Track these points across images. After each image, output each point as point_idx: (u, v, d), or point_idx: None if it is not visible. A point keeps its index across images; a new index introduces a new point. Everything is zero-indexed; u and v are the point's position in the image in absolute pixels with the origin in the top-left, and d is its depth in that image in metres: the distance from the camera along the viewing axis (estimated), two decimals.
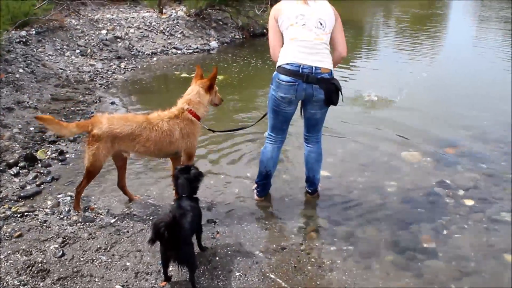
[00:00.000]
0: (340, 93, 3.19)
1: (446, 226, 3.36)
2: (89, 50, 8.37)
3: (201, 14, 10.13)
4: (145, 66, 8.12)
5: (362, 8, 18.89)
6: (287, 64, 3.14)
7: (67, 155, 4.47)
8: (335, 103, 3.23)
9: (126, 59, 8.44)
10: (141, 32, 9.42)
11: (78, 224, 3.29)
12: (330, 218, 3.44)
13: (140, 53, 8.79)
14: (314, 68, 3.09)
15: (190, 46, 9.24)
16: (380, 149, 4.64)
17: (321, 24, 3.14)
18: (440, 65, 9.08)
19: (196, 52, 9.09)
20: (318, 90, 3.14)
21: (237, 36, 10.24)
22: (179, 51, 9.03)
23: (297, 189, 3.82)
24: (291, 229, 3.31)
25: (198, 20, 10.09)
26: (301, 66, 3.10)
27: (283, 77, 3.14)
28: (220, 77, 7.09)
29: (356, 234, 3.25)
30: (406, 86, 6.94)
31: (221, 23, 10.56)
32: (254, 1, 9.89)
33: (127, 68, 7.92)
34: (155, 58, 8.62)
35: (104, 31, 9.13)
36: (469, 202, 3.70)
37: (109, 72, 7.58)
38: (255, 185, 3.67)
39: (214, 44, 9.49)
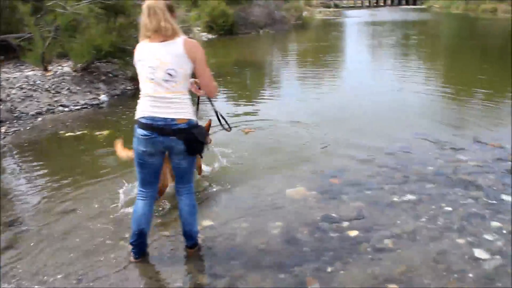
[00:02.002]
0: (202, 142, 3.07)
1: (331, 263, 3.27)
2: None
3: (88, 68, 9.76)
4: (28, 128, 7.60)
5: (255, 47, 19.42)
6: (142, 117, 3.02)
7: None
8: (198, 153, 3.13)
9: (7, 122, 7.86)
10: (24, 92, 8.87)
11: None
12: (211, 272, 3.23)
13: (23, 114, 8.23)
14: (169, 120, 2.98)
15: (78, 102, 8.81)
16: (265, 189, 4.54)
17: (170, 75, 2.98)
18: (335, 94, 9.38)
19: (85, 108, 8.67)
20: (176, 141, 3.02)
21: (128, 87, 9.95)
22: (66, 109, 8.58)
23: (177, 244, 3.57)
24: None
25: (86, 75, 9.71)
26: (155, 119, 2.98)
27: (139, 131, 3.03)
28: (105, 133, 6.78)
29: (238, 286, 3.06)
30: (292, 120, 7.05)
31: (111, 75, 10.23)
32: None
33: (8, 132, 7.36)
34: (40, 118, 8.10)
35: None
36: (353, 233, 3.66)
37: None
38: (130, 246, 3.39)
39: (104, 97, 9.13)
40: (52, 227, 4.00)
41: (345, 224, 3.81)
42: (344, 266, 3.25)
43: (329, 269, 3.21)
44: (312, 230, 3.73)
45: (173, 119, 2.98)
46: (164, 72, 2.96)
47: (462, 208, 4.05)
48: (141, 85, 3.06)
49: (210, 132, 4.49)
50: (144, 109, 3.03)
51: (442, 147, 5.60)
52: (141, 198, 3.27)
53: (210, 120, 4.61)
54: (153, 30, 2.94)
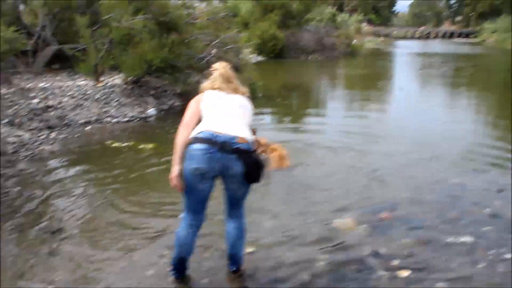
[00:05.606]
0: (261, 168, 2.94)
1: None
2: (17, 120, 7.93)
3: (138, 81, 9.91)
4: (76, 136, 7.73)
5: (304, 71, 19.37)
6: (200, 133, 2.92)
7: None
8: (256, 180, 2.98)
9: (57, 128, 8.02)
10: (75, 101, 9.08)
11: None
12: None
13: (73, 122, 8.40)
14: (229, 137, 2.87)
15: (127, 114, 8.94)
16: (311, 217, 4.34)
17: (241, 106, 3.13)
18: (386, 124, 9.14)
19: (133, 120, 8.79)
20: (235, 162, 2.87)
21: (176, 103, 10.02)
22: (114, 120, 8.71)
23: (218, 268, 3.44)
24: None
25: (136, 88, 9.87)
26: (215, 134, 2.87)
27: (196, 145, 2.88)
28: (149, 146, 6.79)
29: None
30: (344, 149, 6.82)
31: (160, 90, 10.37)
32: (192, 68, 9.75)
33: (58, 138, 7.50)
34: (88, 127, 8.24)
35: (36, 100, 8.74)
36: (404, 273, 3.43)
37: (36, 143, 7.12)
38: (171, 266, 3.29)
39: (152, 111, 9.24)
40: (89, 238, 3.99)
41: (396, 262, 3.57)
42: None
43: None
44: (360, 266, 3.51)
45: (234, 137, 2.89)
46: (236, 104, 3.14)
47: None
48: (205, 112, 3.06)
49: None
50: (206, 124, 2.96)
51: (500, 187, 5.26)
52: (186, 227, 3.10)
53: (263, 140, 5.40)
54: (230, 90, 3.20)
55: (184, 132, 3.00)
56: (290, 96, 12.61)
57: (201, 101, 3.12)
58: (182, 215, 3.13)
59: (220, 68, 3.27)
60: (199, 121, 3.05)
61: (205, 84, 3.27)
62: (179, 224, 3.14)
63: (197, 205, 3.04)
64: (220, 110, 3.05)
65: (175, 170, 2.97)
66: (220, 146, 2.84)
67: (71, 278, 3.34)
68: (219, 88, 3.18)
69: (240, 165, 2.88)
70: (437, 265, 3.55)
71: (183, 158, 2.95)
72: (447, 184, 5.35)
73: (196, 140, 2.89)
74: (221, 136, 2.87)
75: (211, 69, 3.34)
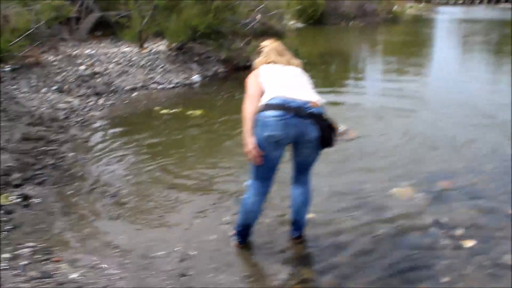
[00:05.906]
0: (335, 132, 2.90)
1: (445, 273, 3.01)
2: (66, 87, 8.07)
3: (182, 48, 9.91)
4: (124, 102, 7.83)
5: (346, 39, 18.98)
6: (271, 99, 2.84)
7: (32, 200, 4.09)
8: (330, 144, 2.93)
9: (104, 95, 8.15)
10: (121, 68, 9.17)
11: (33, 282, 2.91)
12: (316, 267, 3.08)
13: (119, 88, 8.50)
14: (302, 102, 2.81)
15: (172, 80, 8.99)
16: (369, 185, 4.29)
17: (299, 75, 3.12)
18: (431, 89, 8.96)
19: (178, 86, 8.84)
20: (311, 127, 2.81)
21: (220, 70, 10.01)
22: (160, 86, 8.77)
23: (279, 234, 3.45)
24: (273, 281, 2.95)
25: (180, 54, 9.88)
26: (288, 100, 2.81)
27: (269, 112, 2.79)
28: (197, 112, 6.81)
29: (345, 285, 2.89)
30: (393, 114, 6.70)
31: (204, 56, 10.36)
32: (236, 34, 9.68)
33: (106, 104, 7.63)
34: (134, 94, 8.34)
35: (82, 67, 8.87)
36: (469, 243, 3.35)
37: (86, 109, 7.27)
38: (234, 232, 3.32)
39: (196, 78, 9.25)
40: (148, 203, 4.06)
41: (459, 232, 3.50)
42: (461, 278, 2.97)
43: (444, 279, 2.95)
44: (422, 235, 3.46)
45: (307, 102, 2.82)
46: (295, 74, 3.13)
47: None
48: (268, 83, 2.99)
49: None
50: (274, 91, 2.88)
51: None
52: (254, 194, 3.07)
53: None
54: (284, 62, 3.19)
55: (251, 103, 2.90)
56: (332, 62, 12.40)
57: (259, 75, 3.06)
58: (249, 182, 3.11)
59: (270, 43, 3.28)
60: (262, 93, 2.98)
61: (259, 59, 3.24)
62: (246, 191, 3.13)
63: (267, 173, 3.00)
64: (282, 80, 2.99)
65: (250, 142, 2.85)
66: (294, 111, 2.77)
67: (133, 243, 3.40)
68: (274, 62, 3.15)
69: (315, 130, 2.82)
70: (502, 237, 3.45)
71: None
72: (503, 153, 5.17)
73: (268, 107, 2.81)
74: (295, 101, 2.80)
75: (260, 47, 3.34)
